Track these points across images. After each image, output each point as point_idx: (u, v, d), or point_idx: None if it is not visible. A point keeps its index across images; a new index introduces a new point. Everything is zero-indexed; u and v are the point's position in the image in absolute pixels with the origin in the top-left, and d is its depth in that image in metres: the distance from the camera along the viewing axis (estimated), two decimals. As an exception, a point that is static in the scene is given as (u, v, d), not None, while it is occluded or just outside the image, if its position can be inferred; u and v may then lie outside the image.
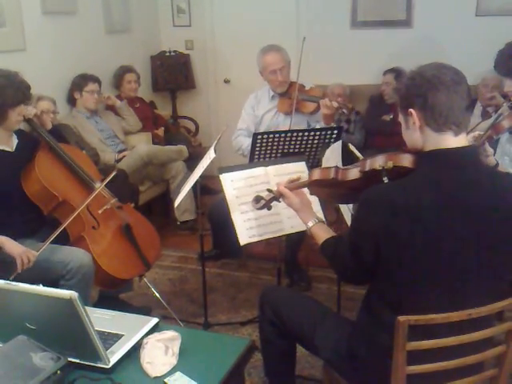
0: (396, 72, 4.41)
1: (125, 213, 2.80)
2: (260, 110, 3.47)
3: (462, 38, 4.48)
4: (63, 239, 2.51)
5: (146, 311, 2.88)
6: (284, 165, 2.32)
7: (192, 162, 3.82)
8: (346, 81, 4.66)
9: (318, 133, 2.86)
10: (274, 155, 2.87)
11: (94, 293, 2.75)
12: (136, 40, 5.05)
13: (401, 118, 1.57)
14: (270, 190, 2.01)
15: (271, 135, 2.83)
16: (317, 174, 1.83)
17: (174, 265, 3.70)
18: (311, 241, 1.88)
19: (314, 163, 2.87)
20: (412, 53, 4.41)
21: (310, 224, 1.85)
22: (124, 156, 3.94)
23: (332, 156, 2.31)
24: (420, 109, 1.47)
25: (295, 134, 2.84)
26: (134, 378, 1.51)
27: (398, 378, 1.48)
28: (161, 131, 4.67)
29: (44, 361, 1.42)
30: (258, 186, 2.19)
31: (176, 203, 2.74)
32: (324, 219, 2.25)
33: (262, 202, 2.01)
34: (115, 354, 1.55)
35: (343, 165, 2.28)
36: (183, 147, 4.21)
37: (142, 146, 4.08)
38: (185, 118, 5.43)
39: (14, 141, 2.57)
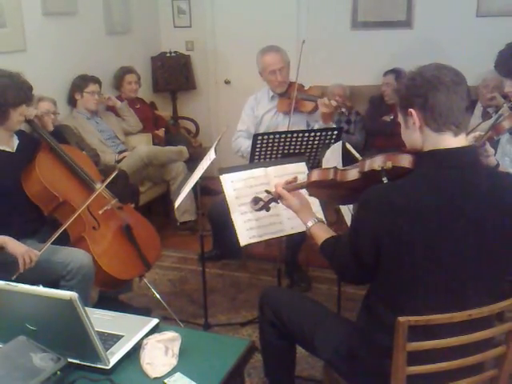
0: (396, 73, 4.41)
1: (125, 213, 2.80)
2: (260, 111, 3.48)
3: (462, 39, 4.48)
4: (63, 240, 2.51)
5: (146, 312, 2.88)
6: (284, 165, 2.32)
7: (192, 162, 3.82)
8: (347, 81, 4.66)
9: (318, 133, 2.87)
10: (274, 156, 2.87)
11: (93, 294, 2.75)
12: (136, 41, 5.06)
13: (400, 118, 1.57)
14: (268, 192, 2.01)
15: (271, 136, 2.83)
16: (316, 175, 1.83)
17: (174, 265, 3.70)
18: (311, 241, 1.88)
19: (314, 164, 2.87)
20: (412, 53, 4.41)
21: (310, 224, 1.85)
22: (124, 157, 3.94)
23: (332, 157, 2.31)
24: (420, 109, 1.48)
25: (295, 135, 2.84)
26: (133, 379, 1.51)
27: (398, 378, 1.48)
28: (161, 132, 4.67)
29: (44, 361, 1.43)
30: (258, 187, 2.19)
31: (176, 204, 2.74)
32: (324, 220, 2.26)
33: (260, 204, 2.00)
34: (115, 355, 1.55)
35: (343, 165, 2.28)
36: (183, 148, 4.21)
37: (143, 146, 4.09)
38: (185, 118, 5.43)
39: (15, 141, 2.57)
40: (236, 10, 5.18)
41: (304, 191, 1.95)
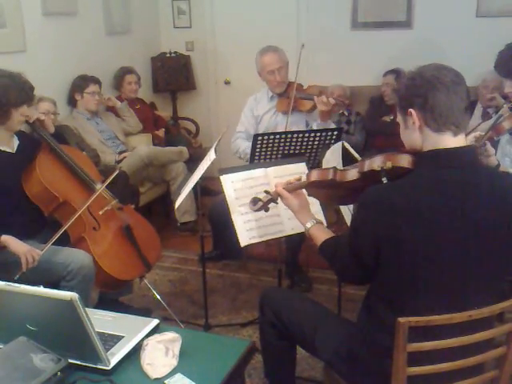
0: (396, 73, 4.41)
1: (125, 214, 2.80)
2: (259, 111, 3.50)
3: (462, 39, 4.48)
4: (64, 240, 2.51)
5: (146, 312, 2.89)
6: (284, 166, 2.32)
7: (192, 163, 3.82)
8: (347, 82, 4.66)
9: (318, 134, 2.87)
10: (274, 156, 2.88)
11: (94, 295, 2.75)
12: (136, 41, 5.06)
13: (399, 119, 1.57)
14: (267, 192, 2.01)
15: (271, 136, 2.83)
16: (315, 175, 1.83)
17: (174, 266, 3.70)
18: (310, 242, 1.88)
19: (314, 164, 2.87)
20: (412, 54, 4.42)
21: (309, 225, 1.85)
22: (124, 157, 3.94)
23: (332, 157, 2.31)
24: (420, 109, 1.48)
25: (295, 135, 2.84)
26: (134, 380, 1.51)
27: (398, 379, 1.48)
28: (161, 132, 4.67)
29: (44, 362, 1.43)
30: (258, 188, 2.19)
31: (176, 204, 2.74)
32: (324, 220, 2.26)
33: (259, 204, 2.00)
34: (115, 356, 1.55)
35: (343, 165, 2.28)
36: (184, 148, 4.21)
37: (143, 147, 4.09)
38: (185, 119, 5.43)
39: (15, 142, 2.57)
40: (236, 10, 5.18)
41: (303, 191, 1.95)
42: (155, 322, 1.74)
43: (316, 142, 2.87)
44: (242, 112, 3.57)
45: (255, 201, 2.00)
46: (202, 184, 2.73)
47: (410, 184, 1.48)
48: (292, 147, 2.86)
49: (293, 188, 1.93)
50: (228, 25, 5.24)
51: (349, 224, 2.18)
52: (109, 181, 2.65)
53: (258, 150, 2.84)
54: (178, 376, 1.50)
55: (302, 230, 1.94)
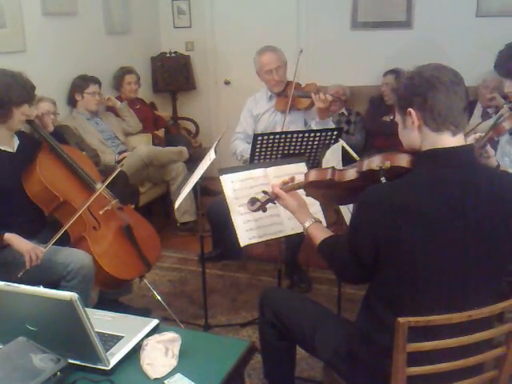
0: (396, 73, 4.41)
1: (125, 214, 2.80)
2: (258, 110, 3.52)
3: (462, 39, 4.48)
4: (64, 240, 2.51)
5: (146, 313, 2.88)
6: (284, 166, 2.31)
7: (192, 163, 3.82)
8: (347, 82, 4.66)
9: (318, 134, 2.87)
10: (274, 156, 2.88)
11: (93, 295, 2.75)
12: (136, 41, 5.06)
13: (398, 118, 1.57)
14: (265, 192, 2.00)
15: (271, 136, 2.83)
16: (313, 175, 1.82)
17: (174, 266, 3.70)
18: (309, 242, 1.88)
19: (314, 164, 2.87)
20: (412, 54, 4.42)
21: (307, 224, 1.85)
22: (124, 157, 3.94)
23: (332, 157, 2.31)
24: (419, 108, 1.48)
25: (295, 135, 2.84)
26: (133, 380, 1.51)
27: (398, 379, 1.48)
28: (161, 132, 4.67)
29: (44, 362, 1.43)
30: (257, 188, 2.19)
31: (176, 204, 2.74)
32: (324, 220, 2.25)
33: (257, 204, 2.00)
34: (115, 356, 1.55)
35: (343, 165, 2.28)
36: (183, 148, 4.21)
37: (143, 147, 4.08)
38: (185, 119, 5.43)
39: (16, 142, 2.58)
40: (236, 10, 5.18)
41: (301, 191, 1.94)
42: (155, 322, 1.74)
43: (316, 142, 2.88)
44: (241, 113, 3.58)
45: (253, 201, 2.00)
46: (202, 184, 2.74)
47: (409, 183, 1.48)
48: (292, 147, 2.87)
49: (290, 188, 1.93)
50: (228, 25, 5.24)
51: (348, 224, 2.18)
52: (109, 180, 2.65)
53: (257, 149, 2.84)
54: (178, 376, 1.50)
55: (302, 229, 1.94)
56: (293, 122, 3.37)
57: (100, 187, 2.65)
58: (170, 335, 1.57)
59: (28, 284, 1.50)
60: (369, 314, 1.64)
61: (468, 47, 4.42)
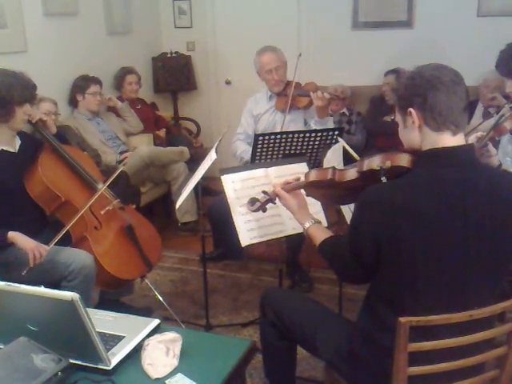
0: (397, 73, 4.40)
1: (127, 214, 2.81)
2: (259, 110, 3.53)
3: (463, 39, 4.48)
4: (65, 240, 2.51)
5: (147, 313, 2.89)
6: (285, 166, 2.32)
7: (193, 163, 3.82)
8: (347, 82, 4.66)
9: (319, 134, 2.87)
10: (275, 156, 2.88)
11: (95, 295, 2.75)
12: (137, 41, 5.06)
13: (398, 118, 1.58)
14: (265, 192, 2.00)
15: (272, 136, 2.84)
16: (314, 175, 1.82)
17: (175, 266, 3.70)
18: (309, 242, 1.88)
19: (315, 164, 2.87)
20: (413, 54, 4.41)
21: (307, 225, 1.85)
22: (126, 157, 3.94)
23: (333, 157, 2.31)
24: (419, 108, 1.48)
25: (296, 135, 2.85)
26: (135, 380, 1.51)
27: (399, 379, 1.48)
28: (162, 132, 4.67)
29: (45, 362, 1.43)
30: (259, 188, 2.19)
31: (177, 205, 2.74)
32: (325, 220, 2.25)
33: (257, 204, 2.00)
34: (116, 356, 1.55)
35: (344, 165, 2.28)
36: (184, 148, 4.21)
37: (144, 147, 4.09)
38: (186, 119, 5.43)
39: (17, 142, 2.58)
40: (237, 10, 5.18)
41: (302, 191, 1.94)
42: (156, 322, 1.74)
43: (317, 142, 2.88)
44: (242, 113, 3.60)
45: (253, 201, 2.00)
46: (203, 184, 2.74)
47: (409, 183, 1.48)
48: (293, 147, 2.87)
49: (291, 188, 1.93)
50: (229, 25, 5.24)
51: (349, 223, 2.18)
52: (111, 179, 2.65)
53: (259, 150, 2.84)
54: (179, 376, 1.50)
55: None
56: (293, 121, 3.39)
57: (102, 187, 2.65)
58: (171, 335, 1.57)
59: (29, 284, 1.50)
60: (370, 314, 1.64)
61: (469, 47, 4.42)
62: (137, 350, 1.59)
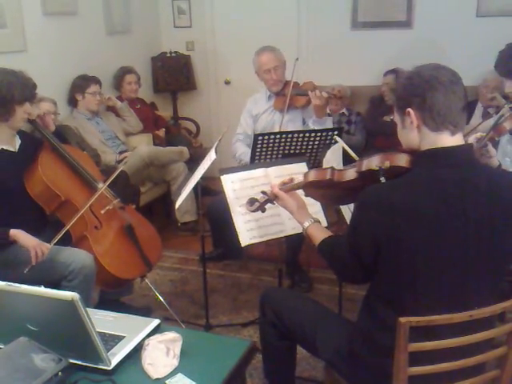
0: (396, 73, 4.41)
1: (127, 213, 2.81)
2: (258, 110, 3.54)
3: (462, 39, 4.48)
4: (65, 240, 2.51)
5: (147, 313, 2.89)
6: (285, 166, 2.32)
7: (193, 163, 3.82)
8: (347, 82, 4.66)
9: (318, 134, 2.87)
10: (274, 156, 2.88)
11: (95, 295, 2.75)
12: (137, 41, 5.06)
13: (396, 118, 1.58)
14: (264, 192, 2.00)
15: (272, 136, 2.84)
16: (312, 175, 1.82)
17: (175, 266, 3.70)
18: (309, 242, 1.88)
19: (315, 164, 2.88)
20: (412, 54, 4.41)
21: (306, 225, 1.85)
22: (125, 157, 3.94)
23: (333, 157, 2.31)
24: (418, 108, 1.48)
25: (296, 135, 2.85)
26: (135, 380, 1.51)
27: (399, 379, 1.48)
28: (162, 132, 4.67)
29: (45, 362, 1.43)
30: (258, 188, 2.19)
31: (177, 204, 2.74)
32: (325, 220, 2.25)
33: (256, 205, 2.00)
34: (116, 356, 1.55)
35: (343, 165, 2.28)
36: (184, 148, 4.21)
37: (143, 147, 4.09)
38: (186, 119, 5.43)
39: (17, 141, 2.58)
40: (236, 10, 5.18)
41: (301, 192, 1.94)
42: (156, 322, 1.74)
43: (317, 142, 2.88)
44: (241, 113, 3.60)
45: (252, 201, 2.00)
46: (203, 184, 2.74)
47: (408, 183, 1.48)
48: (293, 147, 2.87)
49: (290, 188, 1.93)
50: (228, 24, 5.23)
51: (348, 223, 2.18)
52: (111, 178, 2.65)
53: (258, 149, 2.85)
54: (179, 376, 1.50)
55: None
56: (291, 121, 3.40)
57: (102, 186, 2.65)
58: (171, 335, 1.57)
59: (29, 284, 1.50)
60: (370, 314, 1.64)
61: (468, 47, 4.42)
62: (137, 350, 1.59)
